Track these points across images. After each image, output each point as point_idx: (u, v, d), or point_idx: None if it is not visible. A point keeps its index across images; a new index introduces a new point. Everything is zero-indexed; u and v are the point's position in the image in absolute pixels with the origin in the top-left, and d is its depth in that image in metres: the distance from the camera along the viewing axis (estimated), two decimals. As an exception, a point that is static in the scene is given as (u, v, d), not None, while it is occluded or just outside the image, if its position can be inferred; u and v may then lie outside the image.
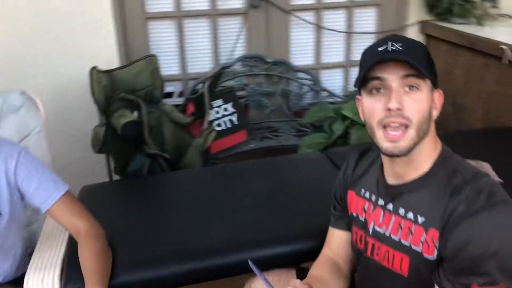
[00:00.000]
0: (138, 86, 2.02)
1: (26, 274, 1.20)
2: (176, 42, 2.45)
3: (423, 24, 2.66)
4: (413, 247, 0.95)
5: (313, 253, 1.19)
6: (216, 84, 2.17)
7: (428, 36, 2.67)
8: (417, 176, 0.95)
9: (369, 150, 1.11)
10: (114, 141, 1.79)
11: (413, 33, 2.67)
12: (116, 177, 2.07)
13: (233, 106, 2.36)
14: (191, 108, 2.23)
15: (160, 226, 1.40)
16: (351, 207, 1.10)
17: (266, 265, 1.20)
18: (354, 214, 1.08)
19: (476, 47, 2.24)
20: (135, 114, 1.80)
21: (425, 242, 0.92)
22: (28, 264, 1.24)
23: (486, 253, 0.84)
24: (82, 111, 2.17)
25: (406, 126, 0.89)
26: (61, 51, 2.17)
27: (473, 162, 1.52)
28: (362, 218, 1.06)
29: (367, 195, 1.06)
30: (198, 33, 2.48)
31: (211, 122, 2.19)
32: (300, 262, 1.31)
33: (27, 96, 1.53)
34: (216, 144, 2.21)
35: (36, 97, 1.56)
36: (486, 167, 1.54)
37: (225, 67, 2.28)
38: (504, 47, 2.02)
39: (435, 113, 0.95)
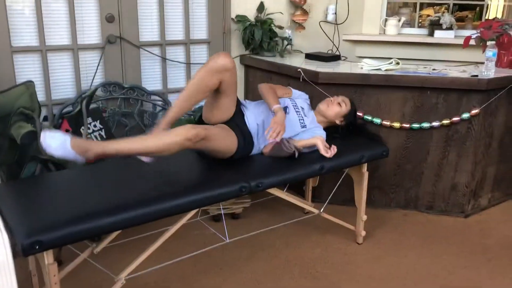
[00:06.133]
0: (17, 108, 2.33)
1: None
2: (41, 73, 2.79)
3: (242, 57, 3.49)
4: None
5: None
6: (90, 103, 2.59)
7: (247, 66, 3.52)
8: None
9: None
10: (10, 151, 2.09)
11: (236, 64, 3.48)
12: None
13: (100, 123, 2.78)
14: (66, 125, 2.59)
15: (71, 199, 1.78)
16: None
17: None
18: None
19: (282, 71, 3.13)
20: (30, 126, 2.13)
21: None
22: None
23: None
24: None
25: None
26: None
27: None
28: None
29: None
30: (61, 65, 2.86)
31: (85, 136, 2.59)
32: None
33: None
34: (90, 155, 2.60)
35: None
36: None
37: (96, 89, 2.70)
38: (299, 69, 2.93)
39: None
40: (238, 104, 2.33)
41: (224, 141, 2.12)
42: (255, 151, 2.32)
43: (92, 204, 1.73)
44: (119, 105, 3.02)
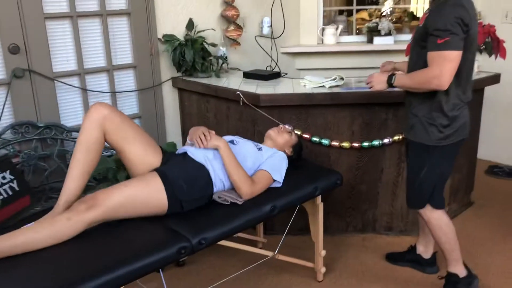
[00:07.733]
0: None
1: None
2: None
3: (174, 80, 3.18)
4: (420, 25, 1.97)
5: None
6: (-7, 153, 2.18)
7: (180, 90, 3.20)
8: None
9: None
10: None
11: (168, 88, 3.17)
12: None
13: (11, 174, 2.37)
14: (-35, 182, 2.16)
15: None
16: None
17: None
18: None
19: (219, 95, 2.85)
20: None
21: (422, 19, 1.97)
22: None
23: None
24: None
25: None
26: None
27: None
28: None
29: None
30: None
31: (-9, 192, 2.17)
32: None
33: None
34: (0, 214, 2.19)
35: None
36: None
37: (-2, 136, 2.29)
38: (238, 92, 2.66)
39: None
40: (171, 155, 2.08)
41: (141, 203, 1.79)
42: (218, 184, 2.01)
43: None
44: (35, 148, 2.61)
